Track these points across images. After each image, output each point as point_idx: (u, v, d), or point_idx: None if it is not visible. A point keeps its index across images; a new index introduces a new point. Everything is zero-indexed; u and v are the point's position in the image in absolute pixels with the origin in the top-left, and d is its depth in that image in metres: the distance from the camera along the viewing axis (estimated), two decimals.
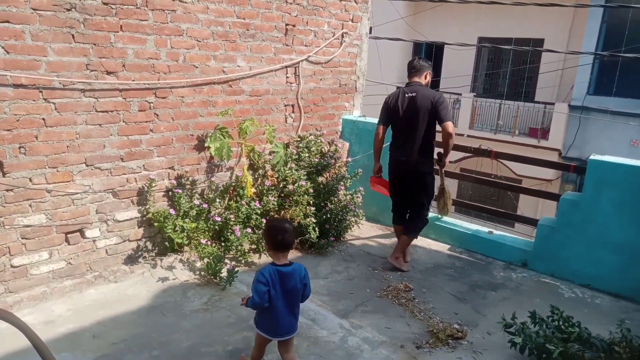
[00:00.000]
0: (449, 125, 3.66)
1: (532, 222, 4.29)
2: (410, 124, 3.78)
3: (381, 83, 11.72)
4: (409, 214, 4.09)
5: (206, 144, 3.79)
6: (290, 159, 4.32)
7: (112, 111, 3.30)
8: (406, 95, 3.80)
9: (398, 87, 4.05)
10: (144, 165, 3.56)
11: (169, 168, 3.72)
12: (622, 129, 10.93)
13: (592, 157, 3.81)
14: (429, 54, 15.03)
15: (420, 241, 4.51)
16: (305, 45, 4.50)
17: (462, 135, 12.60)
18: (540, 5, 7.56)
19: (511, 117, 12.86)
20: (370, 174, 4.74)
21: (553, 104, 12.39)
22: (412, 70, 3.88)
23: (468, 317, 3.30)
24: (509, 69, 13.80)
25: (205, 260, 3.55)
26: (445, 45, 13.20)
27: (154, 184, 3.58)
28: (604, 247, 3.73)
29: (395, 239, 4.32)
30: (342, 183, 4.52)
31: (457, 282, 3.82)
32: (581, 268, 3.85)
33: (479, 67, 14.52)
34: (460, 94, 13.45)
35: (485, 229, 4.64)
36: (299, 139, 4.61)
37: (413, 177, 3.88)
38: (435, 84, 13.91)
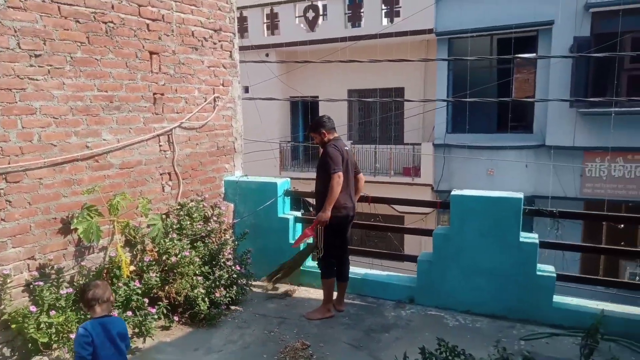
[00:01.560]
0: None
1: (414, 258, 4.57)
2: (350, 173, 4.12)
3: (263, 141, 11.96)
4: (340, 260, 4.21)
5: (72, 226, 3.49)
6: (171, 229, 4.14)
7: None
8: (344, 148, 4.10)
9: (333, 140, 4.10)
10: None
11: (29, 259, 3.32)
12: (479, 160, 12.37)
13: (453, 192, 4.22)
14: (305, 108, 15.81)
15: (312, 292, 4.54)
16: (177, 112, 4.46)
17: None
18: (392, 61, 8.44)
19: (386, 160, 13.88)
20: (259, 232, 4.74)
21: (420, 144, 13.67)
22: (334, 126, 4.23)
23: None
24: (377, 117, 15.00)
25: None
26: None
27: (9, 280, 3.16)
28: (477, 274, 4.09)
29: (282, 290, 4.28)
30: (228, 246, 4.42)
31: (353, 329, 3.88)
32: (461, 296, 4.16)
33: (352, 116, 15.58)
34: None
35: (375, 272, 4.84)
36: (179, 207, 4.45)
37: (352, 222, 4.23)
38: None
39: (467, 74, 12.34)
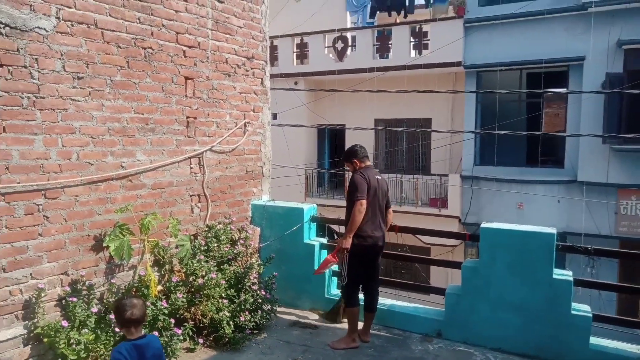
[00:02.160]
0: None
1: (441, 291, 4.46)
2: (380, 202, 4.07)
3: (290, 167, 12.06)
4: (368, 290, 4.18)
5: (104, 244, 3.55)
6: (198, 250, 4.17)
7: None
8: (376, 177, 4.08)
9: (364, 168, 4.11)
10: (31, 274, 3.21)
11: (62, 274, 3.39)
12: (508, 194, 12.14)
13: (482, 225, 4.14)
14: (332, 136, 15.93)
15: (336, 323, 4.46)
16: (208, 136, 4.55)
17: None
18: (420, 92, 8.47)
19: (412, 190, 13.75)
20: (284, 257, 4.71)
21: (447, 175, 13.53)
22: (366, 154, 4.23)
23: None
24: (404, 146, 14.98)
25: None
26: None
27: (43, 294, 3.22)
28: (505, 309, 3.96)
29: (311, 321, 4.22)
30: (254, 270, 4.41)
31: None
32: (490, 331, 4.02)
33: (379, 145, 15.60)
34: None
35: (402, 303, 4.73)
36: (207, 229, 4.49)
37: (381, 252, 4.18)
38: (341, 163, 14.61)
39: (496, 106, 12.27)
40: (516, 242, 3.94)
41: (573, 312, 3.78)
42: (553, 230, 3.89)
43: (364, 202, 3.90)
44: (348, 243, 3.93)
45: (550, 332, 3.81)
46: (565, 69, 12.19)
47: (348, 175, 12.66)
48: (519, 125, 12.51)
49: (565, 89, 12.11)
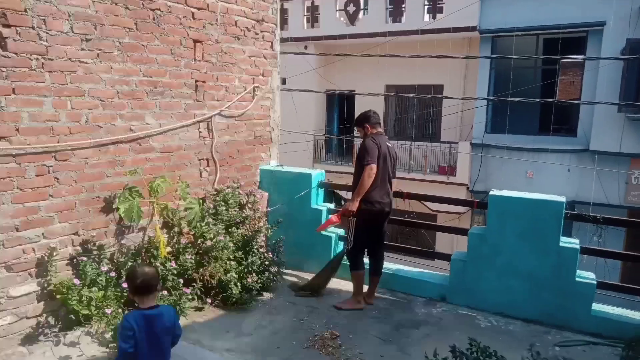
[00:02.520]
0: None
1: (447, 257, 4.50)
2: (389, 170, 4.08)
3: (298, 132, 12.02)
4: (374, 254, 4.24)
5: (114, 206, 3.61)
6: (207, 213, 4.23)
7: (3, 178, 3.05)
8: (387, 144, 4.08)
9: (375, 134, 4.08)
10: (43, 234, 3.29)
11: (73, 234, 3.46)
12: (519, 162, 12.04)
13: (491, 192, 4.12)
14: (342, 102, 15.77)
15: (343, 284, 4.54)
16: (217, 100, 4.53)
17: None
18: (433, 57, 8.30)
19: (421, 157, 13.68)
20: (292, 221, 4.76)
21: (457, 143, 13.40)
22: (378, 121, 4.20)
23: (394, 358, 3.34)
24: (414, 113, 14.80)
25: (115, 331, 3.28)
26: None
27: (55, 253, 3.31)
28: (512, 276, 3.99)
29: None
30: (262, 234, 4.48)
31: (382, 323, 3.87)
32: (494, 297, 4.07)
33: (389, 112, 15.43)
34: None
35: (407, 268, 4.79)
36: (215, 193, 4.54)
37: (387, 218, 4.19)
38: (349, 129, 14.53)
39: (510, 73, 11.99)
40: (525, 210, 3.93)
41: (578, 279, 3.80)
42: (562, 199, 3.88)
43: (374, 166, 3.90)
44: (355, 206, 3.96)
45: (554, 299, 3.85)
46: (584, 35, 11.81)
47: (357, 142, 12.59)
48: (533, 93, 12.25)
49: (583, 56, 11.76)
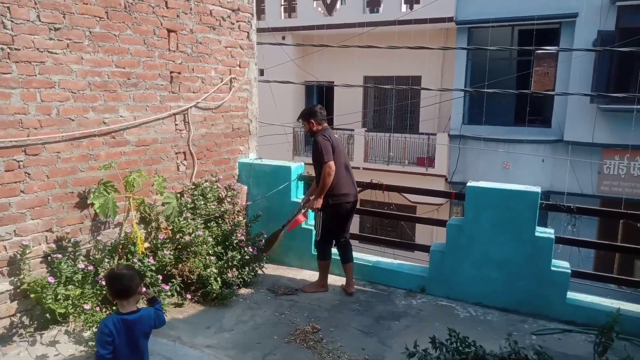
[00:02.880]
0: None
1: (426, 248, 4.54)
2: (346, 161, 4.22)
3: (277, 124, 11.92)
4: (341, 243, 4.31)
5: (89, 201, 3.51)
6: (185, 208, 4.16)
7: None
8: (336, 136, 4.20)
9: (322, 130, 4.19)
10: (14, 231, 3.18)
11: (47, 231, 3.36)
12: (495, 153, 12.22)
13: (469, 184, 4.17)
14: (320, 93, 15.71)
15: (317, 276, 4.54)
16: (193, 92, 4.44)
17: (358, 168, 13.16)
18: (410, 48, 8.31)
19: (400, 149, 13.76)
20: (271, 215, 4.73)
21: (435, 134, 13.52)
22: (325, 118, 4.28)
23: (375, 350, 3.35)
24: (393, 105, 14.85)
25: (93, 329, 3.21)
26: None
27: (28, 251, 3.20)
28: (489, 266, 4.06)
29: (302, 277, 4.43)
30: (241, 228, 4.43)
31: (363, 315, 3.88)
32: (472, 287, 4.13)
33: (367, 103, 15.45)
34: (353, 130, 14.14)
35: (387, 260, 4.82)
36: (193, 187, 4.46)
37: (355, 207, 4.29)
38: (328, 121, 14.48)
39: (486, 64, 12.11)
40: (501, 200, 3.99)
41: (553, 268, 3.88)
42: (537, 189, 3.94)
43: (332, 164, 4.00)
44: (319, 204, 4.08)
45: (531, 288, 3.93)
46: (557, 26, 12.01)
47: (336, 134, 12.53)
48: (509, 84, 12.43)
49: (556, 47, 11.96)
